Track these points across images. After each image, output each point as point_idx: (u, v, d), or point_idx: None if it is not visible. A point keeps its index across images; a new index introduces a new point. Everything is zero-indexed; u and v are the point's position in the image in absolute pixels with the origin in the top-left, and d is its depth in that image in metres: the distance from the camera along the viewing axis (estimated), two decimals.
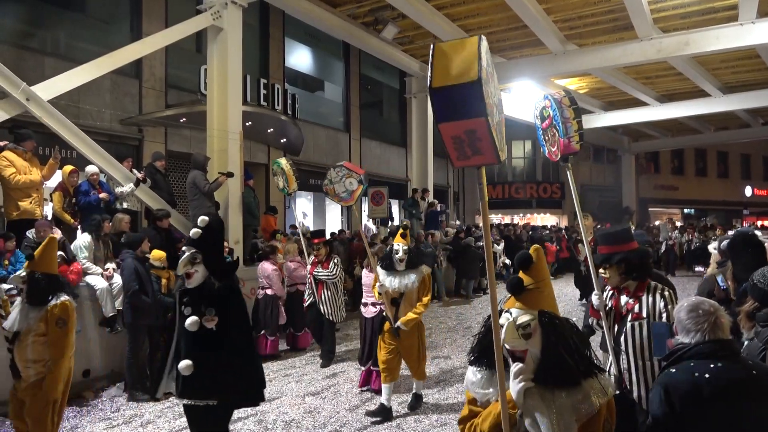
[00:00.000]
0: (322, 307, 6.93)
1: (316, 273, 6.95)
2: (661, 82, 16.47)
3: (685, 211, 30.41)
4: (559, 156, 3.58)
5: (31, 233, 5.94)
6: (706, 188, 29.47)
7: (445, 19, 11.76)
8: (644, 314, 3.20)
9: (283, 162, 8.44)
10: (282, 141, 12.85)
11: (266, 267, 7.60)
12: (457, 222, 17.95)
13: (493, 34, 12.84)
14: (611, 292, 3.43)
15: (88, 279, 6.12)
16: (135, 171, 7.99)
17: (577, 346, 1.98)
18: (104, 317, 6.17)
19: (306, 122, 14.05)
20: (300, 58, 15.20)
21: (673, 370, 2.10)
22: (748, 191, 30.68)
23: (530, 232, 17.77)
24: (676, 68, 14.07)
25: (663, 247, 17.42)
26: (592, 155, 26.20)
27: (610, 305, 3.40)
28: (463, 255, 13.05)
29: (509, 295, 2.19)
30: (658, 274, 4.22)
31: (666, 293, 3.21)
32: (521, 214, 24.77)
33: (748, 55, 13.39)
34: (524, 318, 2.01)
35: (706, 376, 2.01)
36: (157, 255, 6.40)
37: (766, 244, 3.55)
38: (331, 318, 6.99)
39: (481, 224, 19.30)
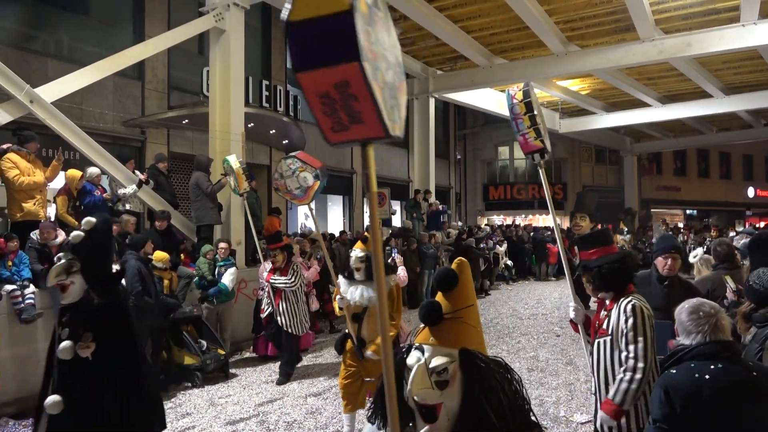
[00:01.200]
0: (279, 318, 6.41)
1: (272, 281, 6.45)
2: (663, 83, 16.46)
3: (688, 212, 30.36)
4: (526, 154, 3.41)
5: (35, 234, 5.96)
6: (709, 189, 29.41)
7: (446, 20, 11.77)
8: (609, 331, 2.88)
9: (232, 160, 7.52)
10: (284, 142, 12.88)
11: (267, 267, 7.61)
12: (459, 223, 17.96)
13: (495, 36, 12.85)
14: (596, 303, 3.19)
15: None
16: (137, 172, 8.02)
17: (509, 398, 1.51)
18: None
19: (308, 123, 14.07)
20: None
21: (674, 371, 2.11)
22: (750, 192, 30.62)
23: (532, 233, 17.77)
24: (678, 69, 14.06)
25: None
26: (594, 156, 26.18)
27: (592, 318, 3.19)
28: (465, 256, 12.99)
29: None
30: (686, 281, 3.90)
31: (629, 306, 2.79)
32: (523, 215, 24.76)
33: (750, 56, 13.38)
34: (440, 360, 1.51)
35: (707, 377, 2.02)
36: (160, 256, 6.43)
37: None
38: (290, 330, 6.45)
39: (482, 225, 19.25)
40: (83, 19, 10.12)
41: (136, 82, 10.50)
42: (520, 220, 23.10)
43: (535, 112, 3.33)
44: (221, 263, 7.35)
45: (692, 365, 2.07)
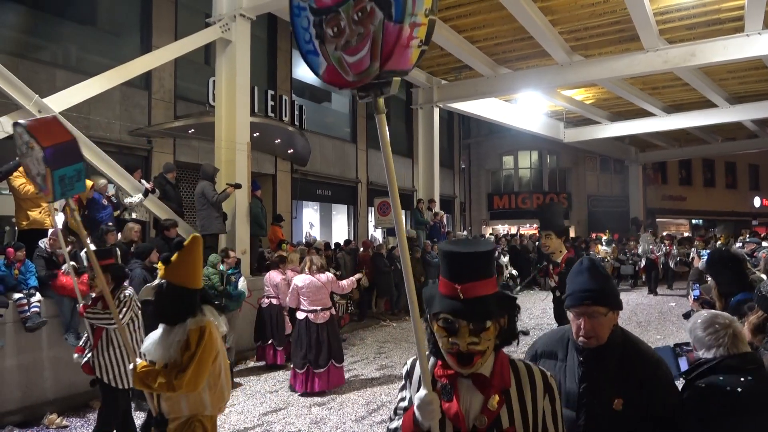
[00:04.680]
0: (97, 369, 4.34)
1: (88, 313, 4.39)
2: (667, 92, 16.46)
3: (693, 221, 30.23)
4: (368, 71, 1.45)
5: (43, 243, 6.00)
6: (715, 199, 29.29)
7: (451, 30, 11.84)
8: (525, 428, 1.64)
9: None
10: (289, 152, 12.95)
11: (274, 276, 7.62)
12: (464, 232, 17.93)
13: (500, 45, 12.90)
14: (446, 377, 1.68)
15: None
16: (143, 181, 8.08)
17: None
18: None
19: (313, 133, 14.14)
20: (307, 69, 15.19)
21: (703, 385, 2.09)
22: (756, 202, 30.47)
23: (537, 243, 17.70)
24: (682, 79, 14.06)
25: (643, 262, 16.14)
26: (599, 165, 26.14)
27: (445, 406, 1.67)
28: None
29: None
30: (633, 347, 2.09)
31: (551, 380, 1.69)
32: (528, 225, 24.70)
33: (755, 65, 13.37)
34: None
35: (739, 389, 2.01)
36: None
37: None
38: (112, 384, 4.33)
39: (488, 234, 19.17)
40: (91, 30, 10.23)
41: (143, 91, 10.59)
42: (525, 230, 23.06)
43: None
44: (229, 272, 7.36)
45: (721, 378, 2.06)
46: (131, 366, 3.05)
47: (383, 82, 1.43)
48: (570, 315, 2.06)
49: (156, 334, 2.98)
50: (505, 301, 1.67)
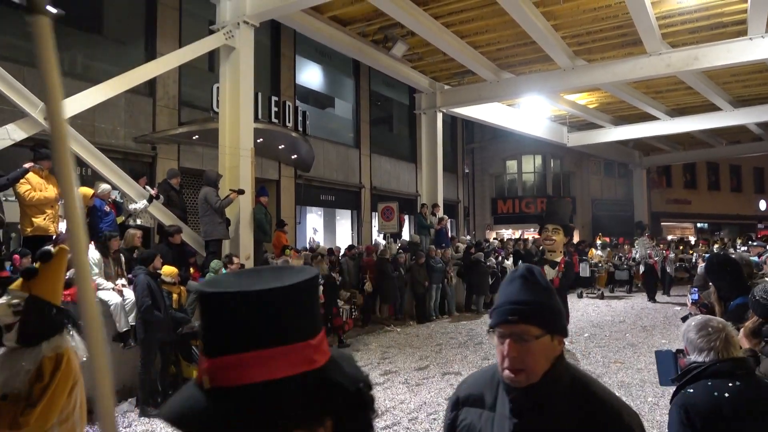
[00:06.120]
0: None
1: None
2: (671, 96, 16.44)
3: (698, 225, 30.12)
4: None
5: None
6: (720, 202, 29.18)
7: (453, 36, 11.87)
8: None
9: None
10: (293, 157, 12.98)
11: None
12: (468, 237, 17.91)
13: (502, 50, 12.93)
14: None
15: (102, 294, 6.19)
16: (148, 188, 8.12)
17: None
18: (117, 332, 6.23)
19: (317, 138, 14.18)
20: (311, 75, 15.39)
21: (691, 390, 2.09)
22: (762, 205, 30.35)
23: (541, 247, 17.65)
24: (685, 82, 14.05)
25: (642, 268, 15.50)
26: (603, 169, 26.10)
27: None
28: (474, 270, 13.02)
29: None
30: (590, 394, 1.51)
31: None
32: (531, 229, 24.65)
33: (759, 68, 13.35)
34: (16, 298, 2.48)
35: (726, 395, 2.01)
36: (169, 271, 6.46)
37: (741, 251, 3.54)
38: None
39: (491, 238, 19.05)
40: (96, 38, 10.31)
41: (147, 98, 10.65)
42: (528, 234, 23.01)
43: None
44: None
45: (709, 383, 2.06)
46: None
47: None
48: (494, 340, 1.46)
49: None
50: (323, 395, 0.80)
